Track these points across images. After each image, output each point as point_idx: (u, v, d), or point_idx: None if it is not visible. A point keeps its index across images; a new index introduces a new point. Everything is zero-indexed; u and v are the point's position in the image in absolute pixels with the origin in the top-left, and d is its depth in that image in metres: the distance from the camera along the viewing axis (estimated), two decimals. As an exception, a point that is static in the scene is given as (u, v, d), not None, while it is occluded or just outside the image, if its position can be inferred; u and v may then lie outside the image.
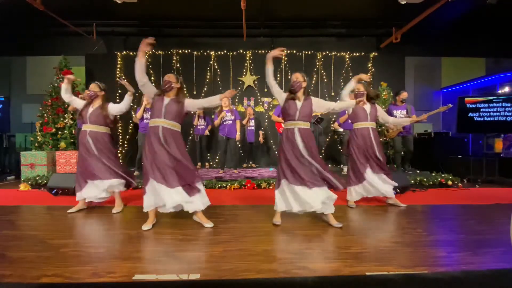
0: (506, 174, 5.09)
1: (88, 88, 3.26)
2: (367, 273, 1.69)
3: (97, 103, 3.22)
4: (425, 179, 4.55)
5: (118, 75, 6.79)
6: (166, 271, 1.72)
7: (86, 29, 6.21)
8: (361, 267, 1.79)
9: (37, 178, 4.68)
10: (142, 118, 5.15)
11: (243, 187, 4.47)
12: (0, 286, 1.57)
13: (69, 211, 3.08)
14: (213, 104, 2.93)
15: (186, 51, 6.85)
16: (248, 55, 6.86)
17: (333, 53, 6.88)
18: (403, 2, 4.56)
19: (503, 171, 5.14)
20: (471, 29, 6.58)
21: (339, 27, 6.70)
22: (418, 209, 3.28)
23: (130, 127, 6.67)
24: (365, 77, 3.15)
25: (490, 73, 6.89)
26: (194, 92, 6.84)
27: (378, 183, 3.17)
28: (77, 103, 3.27)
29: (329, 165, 6.67)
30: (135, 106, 6.31)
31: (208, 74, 6.88)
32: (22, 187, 4.49)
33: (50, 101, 5.87)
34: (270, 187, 4.45)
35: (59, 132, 5.78)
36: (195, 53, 6.85)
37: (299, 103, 2.69)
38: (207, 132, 6.12)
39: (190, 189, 2.56)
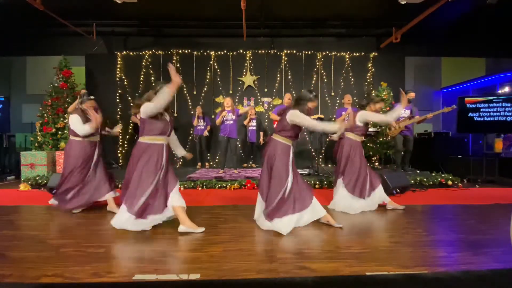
0: (506, 174, 5.09)
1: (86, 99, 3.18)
2: (367, 273, 1.69)
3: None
4: (425, 179, 4.55)
5: (118, 75, 6.79)
6: (166, 271, 1.72)
7: (86, 29, 6.21)
8: (361, 267, 1.79)
9: (37, 178, 4.68)
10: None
11: (243, 187, 4.47)
12: (0, 286, 1.57)
13: (74, 210, 3.10)
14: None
15: (186, 51, 6.85)
16: (248, 55, 6.86)
17: (333, 53, 6.88)
18: (403, 2, 4.55)
19: (503, 171, 5.14)
20: (471, 29, 6.57)
21: (339, 27, 6.70)
22: (418, 209, 3.28)
23: (129, 127, 6.67)
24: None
25: (490, 73, 6.88)
26: (194, 92, 6.84)
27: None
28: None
29: (329, 165, 6.67)
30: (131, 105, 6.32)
31: (208, 74, 6.88)
32: (22, 187, 4.49)
33: (50, 101, 5.88)
34: (270, 187, 4.44)
35: (59, 132, 5.79)
36: (195, 53, 6.85)
37: None
38: (206, 133, 6.13)
39: None
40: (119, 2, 4.57)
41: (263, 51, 6.87)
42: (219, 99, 6.86)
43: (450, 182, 4.58)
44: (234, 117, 5.21)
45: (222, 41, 6.88)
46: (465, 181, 5.06)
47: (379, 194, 3.20)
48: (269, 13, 6.06)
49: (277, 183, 2.51)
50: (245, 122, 6.11)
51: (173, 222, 2.69)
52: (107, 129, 3.46)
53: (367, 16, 6.24)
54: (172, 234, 2.42)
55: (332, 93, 6.89)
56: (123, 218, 2.44)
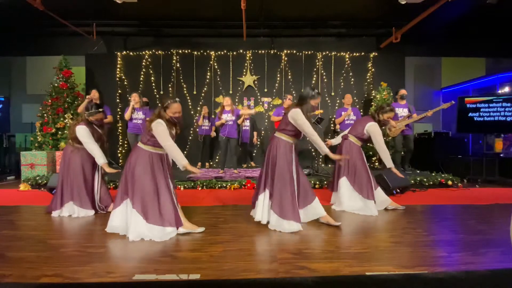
0: (506, 174, 5.09)
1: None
2: (367, 273, 1.69)
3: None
4: (425, 179, 4.55)
5: (118, 75, 6.79)
6: (166, 271, 1.72)
7: (86, 29, 6.21)
8: (361, 267, 1.79)
9: (37, 178, 4.68)
10: (131, 119, 5.12)
11: (243, 187, 4.47)
12: (0, 286, 1.57)
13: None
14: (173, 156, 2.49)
15: (186, 51, 6.85)
16: (248, 55, 6.86)
17: (333, 53, 6.88)
18: (403, 2, 4.55)
19: (503, 171, 5.14)
20: (471, 29, 6.57)
21: (339, 27, 6.70)
22: (418, 209, 3.28)
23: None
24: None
25: (490, 73, 6.88)
26: (194, 92, 6.84)
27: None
28: None
29: (330, 165, 6.67)
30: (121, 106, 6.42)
31: (208, 74, 6.88)
32: (22, 187, 4.49)
33: (50, 101, 5.87)
34: (270, 187, 4.44)
35: (59, 132, 5.78)
36: (195, 53, 6.85)
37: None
38: (213, 133, 6.08)
39: None
40: (119, 2, 4.57)
41: (263, 51, 6.87)
42: (219, 99, 6.86)
43: (450, 182, 4.58)
44: (233, 118, 5.20)
45: (222, 41, 6.88)
46: (465, 181, 5.06)
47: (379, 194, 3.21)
48: (269, 13, 6.06)
49: (281, 182, 2.50)
50: (239, 122, 6.11)
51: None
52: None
53: (367, 16, 6.24)
54: (172, 234, 2.41)
55: (332, 93, 6.89)
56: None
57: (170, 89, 6.84)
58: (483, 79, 6.71)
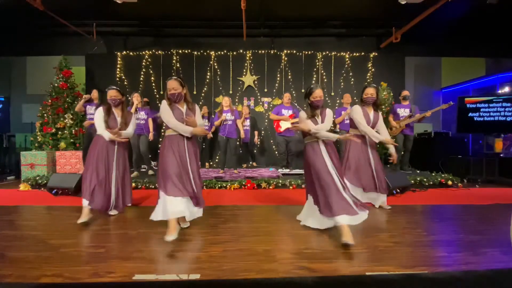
0: (506, 174, 5.09)
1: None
2: (367, 273, 1.69)
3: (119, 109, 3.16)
4: (425, 179, 4.54)
5: (118, 75, 6.79)
6: (166, 271, 1.72)
7: (86, 29, 6.21)
8: (361, 267, 1.79)
9: (37, 178, 4.67)
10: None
11: (243, 187, 4.47)
12: (0, 286, 1.57)
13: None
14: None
15: (186, 51, 6.86)
16: (248, 55, 6.86)
17: (333, 53, 6.88)
18: (403, 2, 4.56)
19: (503, 171, 5.14)
20: (471, 29, 6.58)
21: (339, 27, 6.70)
22: (418, 209, 3.28)
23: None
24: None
25: (490, 73, 6.88)
26: (194, 92, 6.84)
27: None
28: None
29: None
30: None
31: (208, 74, 6.88)
32: (22, 187, 4.49)
33: (50, 101, 5.88)
34: (270, 187, 4.45)
35: (59, 132, 5.79)
36: (195, 53, 6.85)
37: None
38: (210, 135, 6.08)
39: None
40: (119, 2, 4.57)
41: (263, 51, 6.87)
42: (219, 99, 6.86)
43: (450, 182, 4.58)
44: (232, 117, 5.19)
45: (222, 41, 6.88)
46: (465, 181, 5.05)
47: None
48: (269, 13, 6.06)
49: (318, 182, 2.47)
50: (239, 121, 6.10)
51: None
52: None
53: (367, 16, 6.24)
54: (172, 234, 2.41)
55: (332, 93, 6.89)
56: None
57: (170, 89, 6.83)
58: (483, 79, 6.71)
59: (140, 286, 1.60)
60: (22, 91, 7.04)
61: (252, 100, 6.90)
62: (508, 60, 7.02)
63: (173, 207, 2.30)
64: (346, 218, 2.25)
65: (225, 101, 5.23)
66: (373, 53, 6.87)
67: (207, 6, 5.77)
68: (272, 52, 6.89)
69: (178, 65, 6.86)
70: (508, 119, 5.17)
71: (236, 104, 6.83)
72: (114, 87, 3.15)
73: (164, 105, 2.49)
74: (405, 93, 5.27)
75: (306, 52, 6.87)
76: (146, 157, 5.18)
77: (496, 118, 5.26)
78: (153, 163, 5.88)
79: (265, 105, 6.91)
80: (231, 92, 6.84)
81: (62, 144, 5.67)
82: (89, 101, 5.12)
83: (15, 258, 1.93)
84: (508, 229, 2.29)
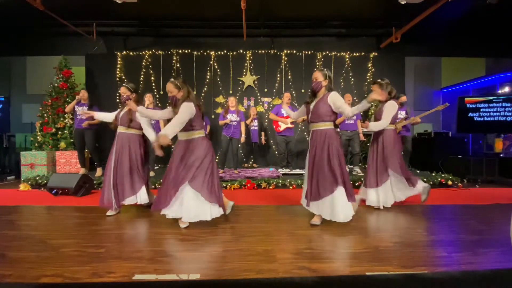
0: (506, 174, 5.09)
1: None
2: (367, 273, 1.69)
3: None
4: (425, 179, 4.54)
5: (118, 75, 6.79)
6: (166, 271, 1.72)
7: (86, 29, 6.21)
8: (361, 267, 1.79)
9: (37, 178, 4.68)
10: None
11: (243, 187, 4.47)
12: (0, 286, 1.57)
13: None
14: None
15: (186, 51, 6.85)
16: (248, 55, 6.86)
17: (333, 53, 6.88)
18: (403, 2, 4.55)
19: (503, 171, 5.14)
20: (471, 29, 6.57)
21: (339, 27, 6.70)
22: (418, 209, 3.28)
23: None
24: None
25: (490, 73, 6.88)
26: (194, 92, 6.78)
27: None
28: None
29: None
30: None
31: (208, 74, 6.88)
32: (22, 187, 4.49)
33: (50, 101, 5.88)
34: (270, 187, 4.45)
35: (59, 132, 5.79)
36: (195, 53, 6.85)
37: (312, 104, 2.70)
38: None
39: None
40: (119, 2, 4.57)
41: (263, 51, 6.87)
42: (219, 99, 6.87)
43: (450, 182, 4.58)
44: (238, 119, 5.22)
45: (222, 41, 6.88)
46: (465, 181, 5.05)
47: None
48: (269, 13, 6.06)
49: None
50: (248, 122, 6.11)
51: (173, 222, 2.69)
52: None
53: (367, 16, 6.24)
54: (172, 234, 2.42)
55: (332, 93, 6.88)
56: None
57: (170, 89, 6.83)
58: (483, 79, 6.71)
59: (140, 286, 1.60)
60: (22, 91, 7.04)
61: (252, 100, 6.90)
62: (508, 60, 7.01)
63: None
64: None
65: (231, 101, 5.23)
66: (373, 53, 6.87)
67: (207, 6, 5.77)
68: (272, 52, 6.89)
69: (178, 65, 6.86)
70: (508, 119, 5.17)
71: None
72: (125, 84, 3.28)
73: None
74: (403, 99, 5.25)
75: (306, 52, 6.87)
76: (151, 157, 5.20)
77: (496, 118, 5.27)
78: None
79: (265, 105, 6.92)
80: (231, 92, 6.84)
81: (62, 144, 5.67)
82: (78, 102, 5.07)
83: (15, 258, 1.93)
84: (508, 229, 2.29)
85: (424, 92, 7.24)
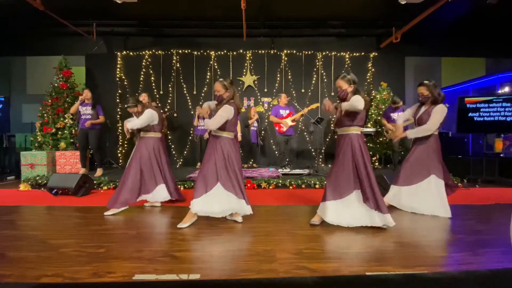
0: (506, 174, 5.09)
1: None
2: (367, 273, 1.69)
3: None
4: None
5: (118, 75, 6.79)
6: (166, 271, 1.72)
7: (86, 29, 6.21)
8: (361, 267, 1.79)
9: (37, 178, 4.68)
10: None
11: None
12: (0, 286, 1.57)
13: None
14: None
15: (186, 51, 6.86)
16: (248, 55, 6.86)
17: (333, 53, 6.88)
18: (403, 2, 4.55)
19: (503, 171, 5.14)
20: (471, 29, 6.57)
21: (339, 27, 6.70)
22: (418, 209, 3.27)
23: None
24: None
25: (490, 73, 6.88)
26: (194, 92, 6.84)
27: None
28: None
29: (330, 166, 6.67)
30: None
31: (208, 74, 6.88)
32: (22, 187, 4.49)
33: (50, 101, 5.87)
34: (270, 187, 4.45)
35: (59, 132, 5.78)
36: (195, 53, 6.85)
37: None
38: (206, 135, 6.08)
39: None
40: (119, 2, 4.57)
41: (263, 51, 6.87)
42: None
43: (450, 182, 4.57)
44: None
45: (222, 41, 6.88)
46: (465, 181, 5.06)
47: None
48: (269, 13, 6.06)
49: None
50: (250, 122, 6.12)
51: (174, 222, 2.69)
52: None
53: (367, 16, 6.25)
54: (172, 234, 2.42)
55: (332, 93, 6.89)
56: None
57: (170, 89, 6.85)
58: (483, 79, 6.71)
59: (140, 286, 1.60)
60: (22, 91, 7.04)
61: (252, 100, 6.90)
62: (508, 60, 7.02)
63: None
64: None
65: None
66: (373, 53, 6.87)
67: (207, 6, 5.77)
68: (272, 52, 6.89)
69: (178, 65, 6.86)
70: (508, 119, 5.17)
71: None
72: (129, 104, 3.38)
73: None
74: (400, 104, 5.25)
75: (306, 52, 6.87)
76: None
77: (496, 118, 5.26)
78: None
79: (265, 105, 6.92)
80: (231, 92, 6.83)
81: (62, 144, 5.67)
82: (82, 102, 5.09)
83: (15, 258, 1.93)
84: (508, 229, 2.29)
85: (424, 92, 7.23)
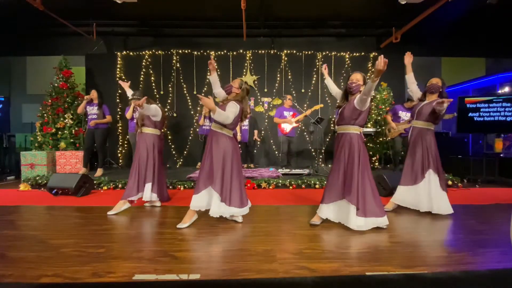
0: (506, 174, 5.09)
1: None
2: (367, 273, 1.69)
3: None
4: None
5: (118, 75, 6.79)
6: (166, 271, 1.72)
7: (86, 29, 6.21)
8: (361, 267, 1.78)
9: (37, 178, 4.68)
10: (132, 118, 5.14)
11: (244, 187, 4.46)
12: (0, 286, 1.57)
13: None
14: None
15: (186, 51, 6.86)
16: (248, 55, 6.86)
17: (333, 53, 6.88)
18: (403, 2, 4.56)
19: (503, 171, 5.14)
20: (471, 29, 6.57)
21: (339, 27, 6.70)
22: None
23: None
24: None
25: (490, 73, 6.88)
26: (194, 92, 6.84)
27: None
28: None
29: (330, 165, 6.67)
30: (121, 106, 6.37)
31: (208, 74, 6.87)
32: (22, 187, 4.49)
33: (50, 101, 5.88)
34: (270, 187, 4.45)
35: (59, 132, 5.78)
36: (195, 53, 6.85)
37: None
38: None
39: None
40: (119, 2, 4.57)
41: (263, 51, 6.87)
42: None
43: (450, 182, 4.58)
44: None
45: (222, 41, 6.88)
46: (465, 181, 5.05)
47: None
48: (269, 13, 6.06)
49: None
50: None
51: (174, 222, 2.69)
52: None
53: (367, 16, 6.24)
54: (172, 234, 2.42)
55: (332, 93, 6.88)
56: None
57: (170, 89, 6.85)
58: (483, 79, 6.71)
59: (140, 286, 1.60)
60: (22, 91, 7.04)
61: (252, 100, 6.90)
62: (508, 60, 7.01)
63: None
64: None
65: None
66: (373, 53, 6.87)
67: (207, 6, 5.77)
68: (272, 52, 6.89)
69: (178, 65, 6.86)
70: (508, 119, 5.17)
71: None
72: (135, 96, 3.59)
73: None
74: (414, 103, 5.21)
75: (306, 52, 6.87)
76: None
77: (496, 118, 5.27)
78: None
79: (265, 105, 6.92)
80: (231, 92, 6.83)
81: (62, 144, 5.67)
82: (89, 102, 5.13)
83: (15, 258, 1.93)
84: (508, 229, 2.29)
85: (424, 92, 7.24)
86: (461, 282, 1.52)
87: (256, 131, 6.33)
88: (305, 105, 6.78)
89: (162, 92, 6.79)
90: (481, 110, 5.37)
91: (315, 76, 6.92)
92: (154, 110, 3.18)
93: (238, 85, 2.75)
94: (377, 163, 6.39)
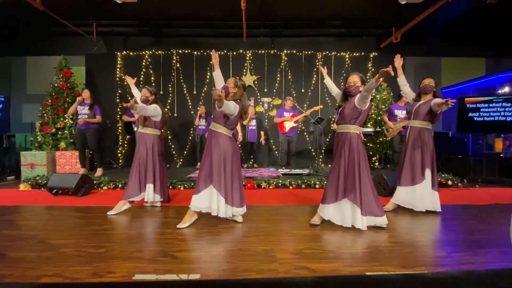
0: (506, 174, 5.09)
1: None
2: (367, 273, 1.69)
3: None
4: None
5: (118, 75, 6.79)
6: (166, 271, 1.72)
7: (86, 29, 6.21)
8: (361, 267, 1.79)
9: (37, 178, 4.67)
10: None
11: (243, 187, 4.46)
12: (0, 286, 1.57)
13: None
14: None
15: (186, 51, 6.85)
16: (248, 55, 6.86)
17: (333, 53, 6.88)
18: (403, 2, 4.55)
19: (503, 171, 5.14)
20: (471, 29, 6.57)
21: (339, 27, 6.70)
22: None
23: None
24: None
25: (490, 73, 6.88)
26: (194, 92, 6.84)
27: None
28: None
29: (330, 165, 6.67)
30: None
31: (208, 74, 6.87)
32: (22, 187, 4.49)
33: (50, 101, 5.88)
34: (270, 187, 4.45)
35: (59, 132, 5.78)
36: (195, 53, 6.85)
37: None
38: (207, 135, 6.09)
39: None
40: (119, 2, 4.57)
41: (263, 51, 6.87)
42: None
43: (450, 182, 4.58)
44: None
45: (222, 41, 6.88)
46: (465, 181, 5.06)
47: None
48: (269, 13, 6.06)
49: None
50: (245, 122, 6.11)
51: (174, 222, 2.69)
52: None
53: (367, 16, 6.24)
54: (172, 234, 2.42)
55: (332, 94, 6.88)
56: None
57: (170, 89, 6.85)
58: (483, 79, 6.71)
59: (140, 286, 1.60)
60: (22, 91, 7.04)
61: (252, 100, 6.90)
62: (508, 60, 7.01)
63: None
64: None
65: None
66: (373, 53, 6.87)
67: (207, 6, 5.76)
68: (272, 52, 6.88)
69: (178, 65, 6.86)
70: (508, 119, 5.17)
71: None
72: (146, 86, 3.36)
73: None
74: (406, 100, 5.23)
75: (306, 52, 6.87)
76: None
77: (496, 118, 5.26)
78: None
79: (265, 105, 6.92)
80: (231, 92, 6.83)
81: (62, 144, 5.67)
82: (81, 102, 5.09)
83: (15, 258, 1.93)
84: (508, 229, 2.29)
85: (424, 92, 7.23)
86: (461, 282, 1.52)
87: (262, 132, 6.36)
88: (305, 105, 6.78)
89: (162, 92, 6.78)
90: (481, 110, 5.37)
91: (315, 76, 6.92)
92: (153, 110, 3.16)
93: (233, 84, 2.72)
94: (377, 163, 6.39)
